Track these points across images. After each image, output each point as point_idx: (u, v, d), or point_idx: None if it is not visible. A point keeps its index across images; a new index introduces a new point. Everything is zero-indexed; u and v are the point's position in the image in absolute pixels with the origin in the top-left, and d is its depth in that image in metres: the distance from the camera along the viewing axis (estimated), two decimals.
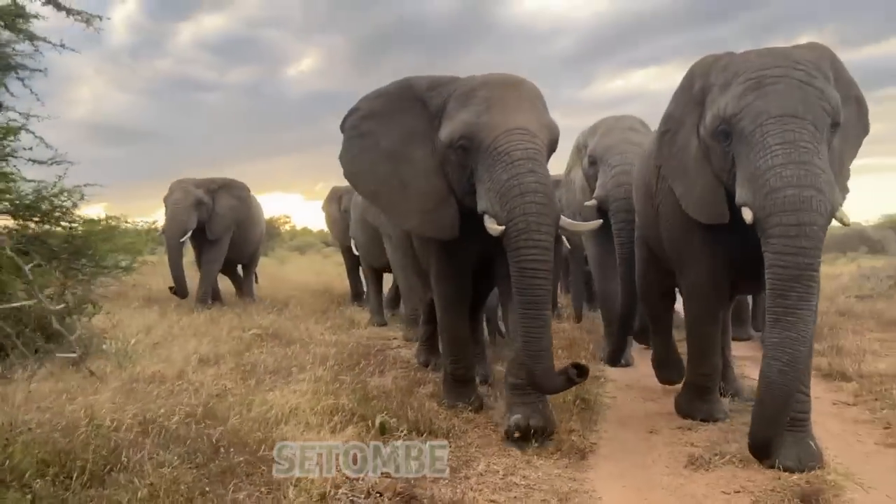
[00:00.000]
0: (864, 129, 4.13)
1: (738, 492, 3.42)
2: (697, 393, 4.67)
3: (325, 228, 12.48)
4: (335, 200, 10.63)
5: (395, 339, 7.90)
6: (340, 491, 3.24)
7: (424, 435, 3.97)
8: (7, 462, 3.02)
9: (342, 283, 11.98)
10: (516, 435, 4.01)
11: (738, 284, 4.53)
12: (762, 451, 3.57)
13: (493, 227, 3.84)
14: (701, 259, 4.35)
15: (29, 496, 2.83)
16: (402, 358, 6.60)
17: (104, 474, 3.16)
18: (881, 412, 4.59)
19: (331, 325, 8.19)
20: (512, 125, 3.89)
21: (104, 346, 5.11)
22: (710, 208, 4.02)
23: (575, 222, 4.19)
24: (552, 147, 4.14)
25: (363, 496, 3.22)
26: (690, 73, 4.20)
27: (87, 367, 4.50)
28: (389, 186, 4.47)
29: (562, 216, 4.00)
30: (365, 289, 10.28)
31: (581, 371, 3.75)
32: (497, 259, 4.32)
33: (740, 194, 3.56)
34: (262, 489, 3.16)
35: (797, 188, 3.28)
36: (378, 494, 3.24)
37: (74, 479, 3.02)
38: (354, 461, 3.53)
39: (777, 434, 3.51)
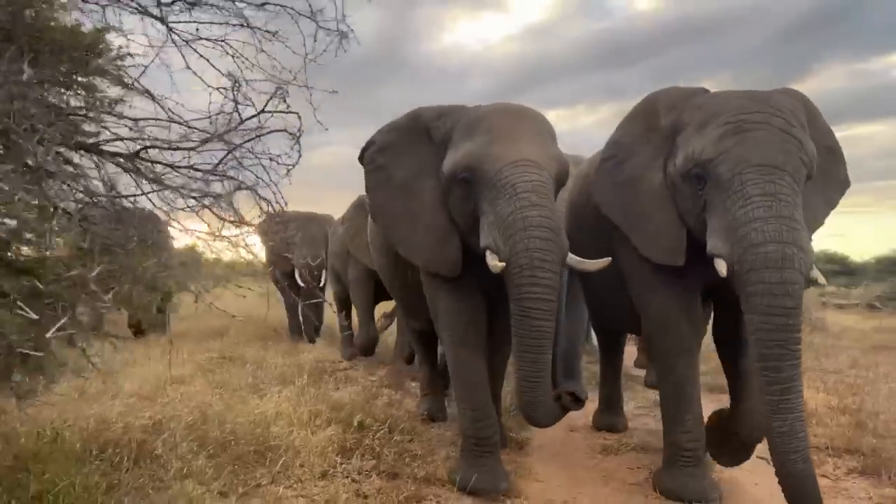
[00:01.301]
0: (841, 183, 4.02)
1: (640, 468, 4.55)
2: (683, 465, 4.05)
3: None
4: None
5: (339, 361, 8.72)
6: (337, 470, 4.13)
7: (394, 432, 4.88)
8: (63, 446, 3.75)
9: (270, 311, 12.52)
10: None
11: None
12: None
13: (493, 263, 3.67)
14: (664, 293, 4.10)
15: (86, 471, 3.56)
16: (352, 377, 7.44)
17: (140, 459, 3.92)
18: None
19: (275, 350, 8.94)
20: (517, 157, 3.75)
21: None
22: (666, 248, 3.90)
23: (584, 260, 3.86)
24: (561, 180, 3.98)
25: (356, 473, 4.11)
26: (652, 103, 4.10)
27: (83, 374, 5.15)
28: (401, 221, 4.37)
29: (570, 254, 3.80)
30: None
31: (576, 399, 3.84)
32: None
33: (714, 244, 3.45)
34: (275, 470, 3.99)
35: (779, 244, 3.20)
36: (367, 472, 4.14)
37: (123, 460, 3.77)
38: (342, 450, 4.45)
39: None
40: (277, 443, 4.37)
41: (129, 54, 2.06)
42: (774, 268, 3.18)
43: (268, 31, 2.04)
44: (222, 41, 1.99)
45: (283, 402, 5.37)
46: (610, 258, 3.90)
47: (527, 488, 4.16)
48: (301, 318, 10.24)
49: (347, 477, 4.06)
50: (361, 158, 4.64)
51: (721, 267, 3.38)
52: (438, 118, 4.32)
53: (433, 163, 4.23)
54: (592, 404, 5.66)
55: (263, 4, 1.98)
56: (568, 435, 5.44)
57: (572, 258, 3.81)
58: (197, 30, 1.82)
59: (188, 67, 1.71)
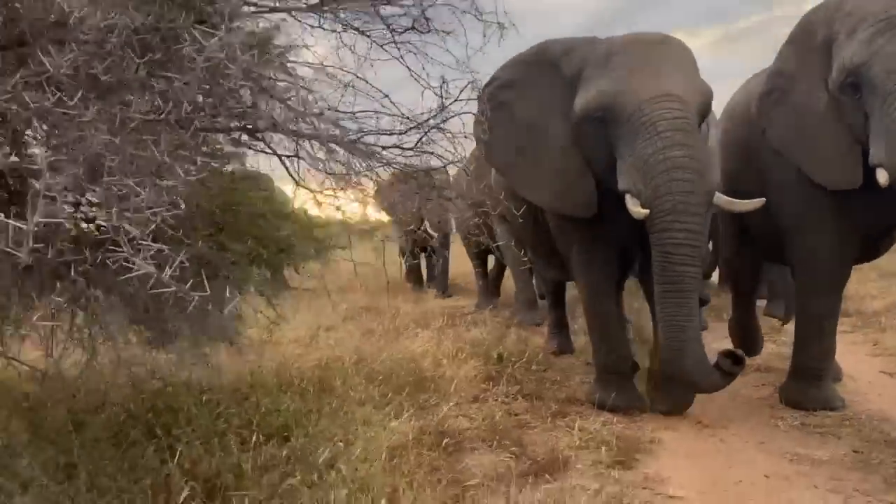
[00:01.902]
0: None
1: (764, 385, 4.90)
2: (809, 379, 4.28)
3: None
4: None
5: (463, 307, 9.39)
6: (486, 395, 4.74)
7: (531, 363, 5.44)
8: (262, 380, 4.55)
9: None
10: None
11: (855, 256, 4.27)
12: None
13: (635, 209, 3.57)
14: (825, 227, 4.02)
15: (286, 399, 4.32)
16: (479, 320, 8.04)
17: (322, 392, 4.66)
18: (871, 335, 6.07)
19: (405, 299, 9.73)
20: (656, 92, 3.55)
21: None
22: (842, 172, 3.72)
23: (733, 200, 3.72)
24: (704, 113, 3.80)
25: (503, 396, 4.71)
26: (808, 22, 3.95)
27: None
28: (523, 160, 4.29)
29: (717, 193, 3.67)
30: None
31: (736, 359, 3.65)
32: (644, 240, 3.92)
33: (874, 153, 3.31)
34: (436, 394, 4.64)
35: None
36: (513, 396, 4.72)
37: (310, 392, 4.52)
38: (487, 379, 5.06)
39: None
40: (430, 374, 5.04)
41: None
42: None
43: (443, 31, 2.46)
44: (409, 42, 2.44)
45: (425, 342, 6.04)
46: (764, 199, 3.74)
47: None
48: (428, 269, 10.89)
49: (497, 400, 4.66)
50: (481, 95, 4.42)
51: (881, 177, 3.29)
52: (568, 52, 4.14)
53: (562, 100, 4.04)
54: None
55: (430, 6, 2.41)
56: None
57: (720, 198, 3.66)
58: (392, 35, 2.27)
59: (409, 70, 2.18)
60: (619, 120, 3.64)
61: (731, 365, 3.64)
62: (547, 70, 4.23)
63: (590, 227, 4.20)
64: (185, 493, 2.37)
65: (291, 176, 2.84)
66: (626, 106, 3.60)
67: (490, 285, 9.75)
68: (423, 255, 11.01)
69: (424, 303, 9.70)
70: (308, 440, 3.37)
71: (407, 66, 2.17)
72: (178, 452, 2.70)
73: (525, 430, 4.06)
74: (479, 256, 9.72)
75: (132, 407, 3.28)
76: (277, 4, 2.07)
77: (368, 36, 2.21)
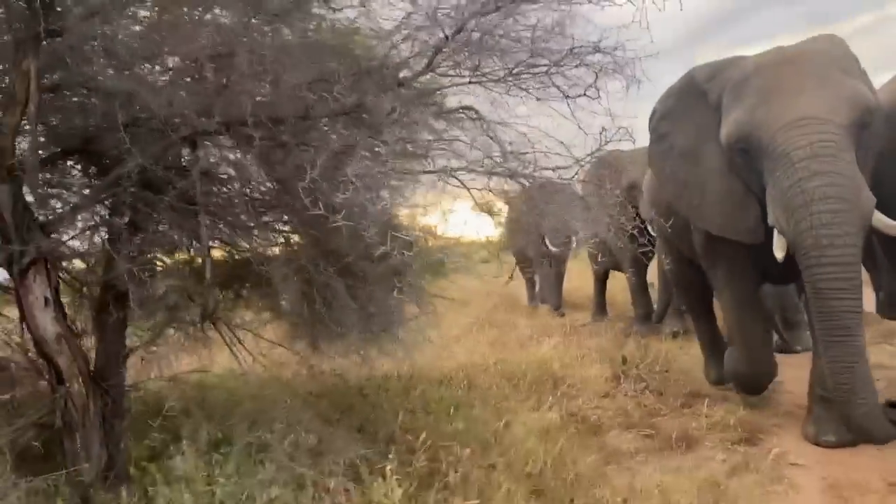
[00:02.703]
0: None
1: None
2: None
3: None
4: None
5: (576, 320, 9.93)
6: (615, 391, 5.31)
7: (655, 365, 5.95)
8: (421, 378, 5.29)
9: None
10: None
11: None
12: None
13: (777, 253, 3.57)
14: None
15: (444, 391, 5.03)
16: (596, 331, 8.56)
17: (469, 387, 5.35)
18: None
19: (519, 314, 10.38)
20: (791, 117, 3.42)
21: None
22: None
23: (892, 222, 3.47)
24: (862, 122, 3.50)
25: (631, 392, 5.26)
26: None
27: None
28: (688, 189, 4.30)
29: (875, 213, 3.42)
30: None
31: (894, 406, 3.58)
32: None
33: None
34: (570, 390, 5.25)
35: None
36: (640, 391, 5.26)
37: (461, 387, 5.23)
38: (614, 378, 5.62)
39: None
40: (561, 374, 5.64)
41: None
42: None
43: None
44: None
45: (551, 349, 6.66)
46: None
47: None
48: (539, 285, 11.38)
49: (625, 395, 5.21)
50: (649, 128, 4.64)
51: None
52: (711, 79, 4.16)
53: (713, 127, 4.03)
54: None
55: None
56: None
57: (879, 220, 3.44)
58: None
59: (578, 126, 2.78)
60: (759, 150, 3.60)
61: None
62: (696, 98, 4.25)
63: (741, 247, 4.14)
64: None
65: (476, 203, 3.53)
66: (762, 137, 3.54)
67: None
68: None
69: (539, 317, 10.30)
70: (469, 422, 4.05)
71: (577, 124, 2.75)
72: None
73: (656, 417, 4.61)
74: (602, 274, 9.97)
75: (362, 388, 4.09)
76: (472, 79, 2.77)
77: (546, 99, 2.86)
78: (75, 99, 3.20)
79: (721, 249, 4.36)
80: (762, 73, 3.70)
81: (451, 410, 4.13)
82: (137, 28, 2.86)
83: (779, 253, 3.54)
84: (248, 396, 3.46)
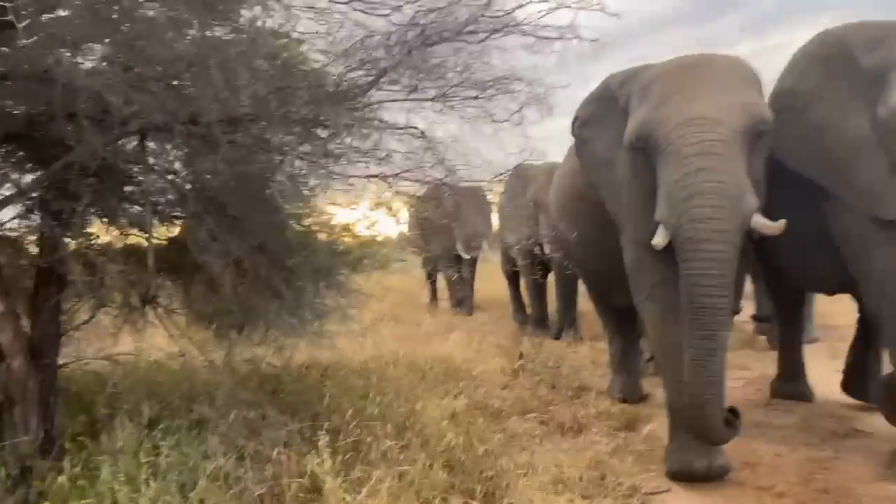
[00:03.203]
0: None
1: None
2: None
3: None
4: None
5: (475, 318, 10.48)
6: (512, 384, 5.81)
7: (548, 361, 6.52)
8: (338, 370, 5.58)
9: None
10: None
11: None
12: None
13: (655, 240, 3.54)
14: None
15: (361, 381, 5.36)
16: (495, 330, 9.11)
17: (380, 379, 5.70)
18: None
19: (423, 312, 10.83)
20: (686, 116, 3.49)
21: None
22: (885, 201, 3.65)
23: (768, 223, 3.51)
24: (755, 130, 3.56)
25: (527, 385, 5.77)
26: (839, 44, 3.89)
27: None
28: (610, 195, 4.32)
29: (756, 215, 3.48)
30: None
31: (734, 413, 3.66)
32: None
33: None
34: (472, 382, 5.70)
35: None
36: (536, 385, 5.79)
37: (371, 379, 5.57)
38: (512, 372, 6.13)
39: None
40: (464, 367, 6.09)
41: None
42: None
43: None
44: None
45: (455, 345, 7.12)
46: (783, 223, 3.50)
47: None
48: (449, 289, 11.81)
49: (522, 387, 5.72)
50: (573, 133, 4.68)
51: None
52: (621, 85, 4.19)
53: (622, 133, 3.99)
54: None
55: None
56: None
57: (757, 221, 3.48)
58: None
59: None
60: (655, 149, 3.63)
61: (733, 418, 3.63)
62: (610, 104, 4.27)
63: (665, 255, 3.78)
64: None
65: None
66: (659, 135, 3.58)
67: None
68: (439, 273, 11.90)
69: (440, 315, 10.78)
70: (383, 408, 4.40)
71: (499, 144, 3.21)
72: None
73: (550, 406, 5.14)
74: (514, 276, 10.15)
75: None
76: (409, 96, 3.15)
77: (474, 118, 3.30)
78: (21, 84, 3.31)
79: (645, 258, 4.08)
80: (664, 78, 3.78)
81: (368, 396, 4.46)
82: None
83: (657, 240, 3.53)
84: (184, 377, 3.67)
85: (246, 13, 2.98)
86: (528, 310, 9.78)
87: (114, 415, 3.19)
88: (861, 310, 4.76)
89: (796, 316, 5.58)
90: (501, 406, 5.05)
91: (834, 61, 3.86)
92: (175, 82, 3.07)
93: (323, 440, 3.08)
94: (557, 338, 8.60)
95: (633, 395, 5.57)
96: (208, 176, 3.51)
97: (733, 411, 3.65)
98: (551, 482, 3.40)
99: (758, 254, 4.89)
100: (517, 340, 7.98)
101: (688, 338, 3.48)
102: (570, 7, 2.81)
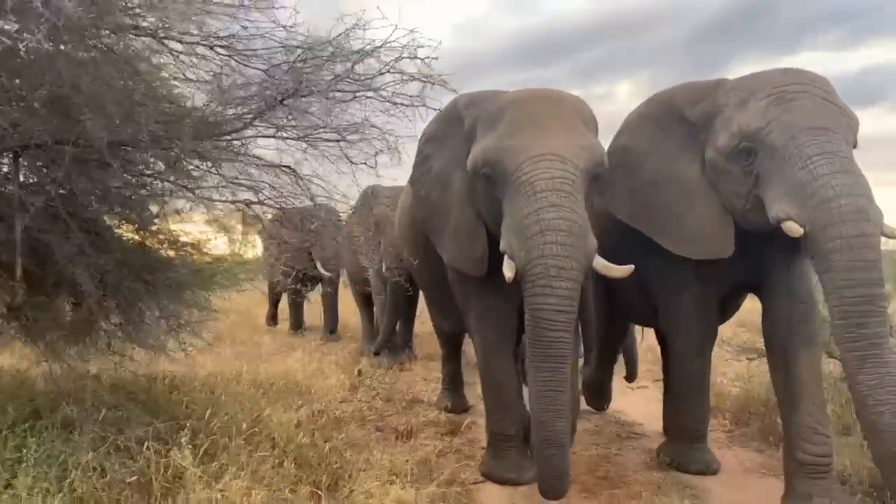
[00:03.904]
0: None
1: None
2: (689, 441, 4.61)
3: None
4: None
5: (316, 339, 10.85)
6: (351, 398, 6.34)
7: (384, 376, 7.11)
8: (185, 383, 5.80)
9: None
10: None
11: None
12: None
13: (506, 273, 3.54)
14: (691, 291, 4.34)
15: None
16: (333, 350, 9.57)
17: (223, 393, 5.99)
18: None
19: (259, 332, 11.03)
20: (539, 150, 3.53)
21: None
22: (719, 241, 3.90)
23: (609, 265, 3.64)
24: (595, 173, 3.70)
25: (365, 398, 6.33)
26: (667, 103, 4.20)
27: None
28: (436, 214, 4.37)
29: (597, 257, 3.60)
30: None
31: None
32: None
33: (780, 209, 3.41)
34: (313, 397, 6.15)
35: (852, 197, 3.20)
36: (372, 398, 6.36)
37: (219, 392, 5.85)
38: (351, 387, 6.66)
39: None
40: (305, 383, 6.52)
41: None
42: (851, 221, 3.17)
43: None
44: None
45: (295, 362, 7.51)
46: (633, 265, 3.68)
47: None
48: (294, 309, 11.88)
49: (360, 400, 6.27)
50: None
51: (793, 229, 3.33)
52: (468, 106, 4.16)
53: (463, 156, 4.05)
54: None
55: None
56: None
57: (599, 262, 3.61)
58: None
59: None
60: (503, 178, 3.64)
61: None
62: (455, 124, 4.26)
63: (486, 279, 4.07)
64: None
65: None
66: (509, 164, 3.59)
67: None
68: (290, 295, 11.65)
69: (279, 335, 11.05)
70: (230, 419, 4.75)
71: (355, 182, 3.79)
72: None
73: (385, 416, 5.73)
74: (367, 299, 10.05)
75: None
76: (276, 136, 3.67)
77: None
78: None
79: (471, 284, 4.35)
80: (517, 108, 3.79)
81: (218, 404, 4.79)
82: None
83: (507, 273, 3.54)
84: (49, 384, 3.86)
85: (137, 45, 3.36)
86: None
87: None
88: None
89: (614, 351, 6.37)
90: (342, 416, 5.56)
91: (663, 119, 4.18)
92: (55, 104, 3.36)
93: (185, 437, 3.47)
94: (377, 354, 8.66)
95: (459, 406, 6.23)
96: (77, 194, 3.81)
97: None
98: (386, 474, 3.98)
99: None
100: (355, 359, 8.50)
101: (533, 371, 3.49)
102: (419, 80, 3.41)
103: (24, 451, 3.09)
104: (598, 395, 6.31)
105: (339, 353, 9.22)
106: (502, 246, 3.65)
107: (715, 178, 3.89)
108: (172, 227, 4.77)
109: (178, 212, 4.41)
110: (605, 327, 5.86)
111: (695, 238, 3.99)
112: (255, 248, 8.54)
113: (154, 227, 4.63)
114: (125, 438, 3.32)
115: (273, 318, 12.61)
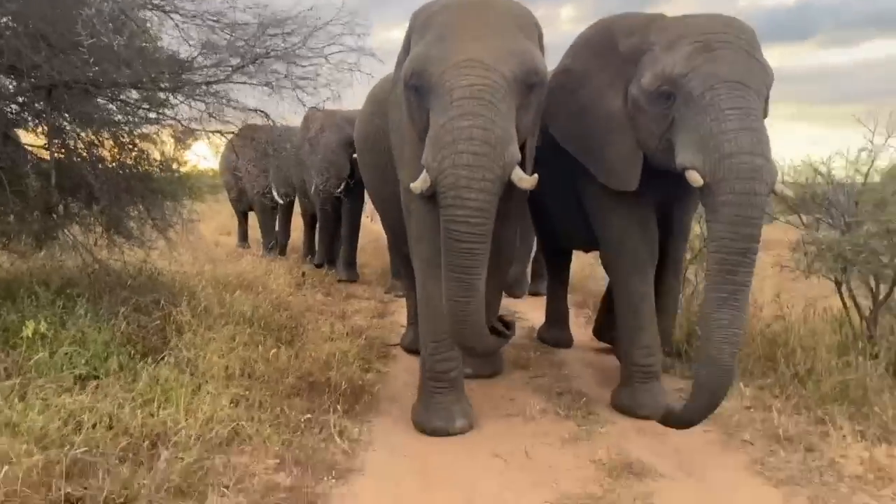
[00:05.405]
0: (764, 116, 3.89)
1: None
2: (637, 379, 4.47)
3: None
4: None
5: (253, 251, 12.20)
6: (296, 293, 7.82)
7: (324, 278, 8.60)
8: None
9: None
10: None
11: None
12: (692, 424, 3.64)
13: (415, 185, 3.51)
14: (627, 211, 4.43)
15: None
16: (280, 260, 10.96)
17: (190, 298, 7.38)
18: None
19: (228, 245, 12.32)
20: (461, 57, 3.45)
21: None
22: (623, 174, 4.10)
23: (523, 176, 3.57)
24: (528, 80, 3.59)
25: (309, 294, 7.83)
26: (606, 30, 4.24)
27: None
28: (394, 137, 4.40)
29: (517, 168, 3.51)
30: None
31: (507, 324, 3.84)
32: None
33: (685, 157, 3.57)
34: (264, 292, 7.61)
35: (750, 156, 3.37)
36: (314, 294, 7.87)
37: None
38: (296, 285, 8.16)
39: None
40: (256, 282, 7.96)
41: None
42: (745, 178, 3.36)
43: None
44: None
45: (248, 266, 8.92)
46: (537, 176, 3.63)
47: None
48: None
49: (304, 295, 7.76)
50: None
51: (695, 178, 3.50)
52: (415, 16, 4.04)
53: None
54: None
55: None
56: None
57: (515, 174, 3.51)
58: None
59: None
60: (428, 88, 3.57)
61: (503, 327, 3.87)
62: (406, 40, 4.16)
63: (424, 199, 3.74)
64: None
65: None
66: (433, 75, 3.52)
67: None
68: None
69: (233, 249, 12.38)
70: (206, 298, 6.15)
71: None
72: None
73: (326, 305, 7.27)
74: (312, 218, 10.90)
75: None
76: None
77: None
78: None
79: (414, 206, 4.17)
80: (445, 14, 3.72)
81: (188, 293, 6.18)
82: None
83: (416, 184, 3.52)
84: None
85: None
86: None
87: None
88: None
89: (563, 272, 6.47)
90: (291, 304, 7.05)
91: (600, 47, 4.23)
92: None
93: (183, 302, 4.92)
94: (320, 266, 10.19)
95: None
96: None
97: (505, 322, 3.92)
98: (329, 335, 5.56)
99: (533, 217, 6.00)
100: (299, 265, 9.98)
101: (446, 280, 3.52)
102: (354, 50, 4.76)
103: (75, 307, 4.47)
104: (559, 327, 6.31)
105: (283, 261, 10.65)
106: (422, 158, 3.56)
107: (635, 115, 4.00)
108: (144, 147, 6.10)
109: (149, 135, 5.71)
110: (551, 254, 6.43)
111: (610, 168, 4.20)
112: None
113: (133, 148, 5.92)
114: (142, 302, 4.73)
115: (242, 237, 13.21)
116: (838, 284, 4.97)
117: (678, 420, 3.62)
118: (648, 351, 4.43)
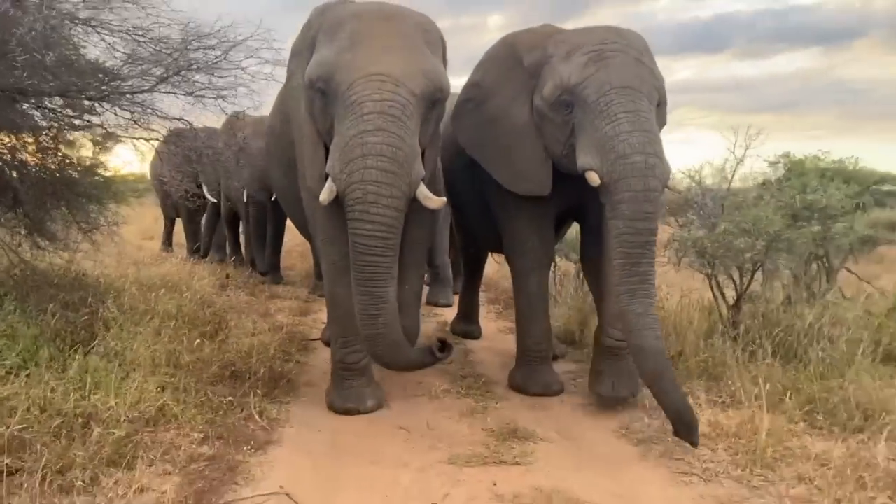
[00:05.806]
0: (662, 120, 4.19)
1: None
2: (530, 362, 4.89)
3: None
4: None
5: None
6: (220, 294, 8.12)
7: (248, 281, 8.92)
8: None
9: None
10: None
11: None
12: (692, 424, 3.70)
13: (322, 196, 3.60)
14: (525, 215, 4.71)
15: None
16: (204, 263, 11.17)
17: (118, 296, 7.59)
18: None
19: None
20: (372, 70, 3.50)
21: None
22: (534, 180, 4.36)
23: (430, 195, 3.73)
24: (432, 98, 3.72)
25: (233, 294, 8.14)
26: (511, 45, 4.49)
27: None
28: (297, 136, 4.44)
29: (421, 185, 3.66)
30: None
31: (444, 346, 3.73)
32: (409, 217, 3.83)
33: (585, 160, 3.81)
34: (187, 292, 7.89)
35: (643, 155, 3.62)
36: (238, 295, 8.19)
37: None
38: (220, 287, 8.45)
39: (683, 393, 3.77)
40: (181, 283, 8.22)
41: None
42: (640, 176, 3.63)
43: None
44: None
45: (172, 268, 9.14)
46: (445, 199, 4.00)
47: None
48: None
49: (228, 296, 8.07)
50: None
51: (594, 178, 3.77)
52: (318, 14, 4.15)
53: (304, 69, 3.98)
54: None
55: None
56: None
57: (421, 192, 3.66)
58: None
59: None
60: (335, 95, 3.62)
61: (439, 349, 3.70)
62: (306, 36, 4.24)
63: (331, 205, 3.76)
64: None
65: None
66: (341, 81, 3.57)
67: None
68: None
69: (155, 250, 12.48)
70: (129, 299, 6.42)
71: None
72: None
73: (251, 305, 7.62)
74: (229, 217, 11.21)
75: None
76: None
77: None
78: None
79: (318, 208, 4.14)
80: (358, 21, 3.75)
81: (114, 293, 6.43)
82: None
83: (324, 195, 3.60)
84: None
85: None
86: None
87: None
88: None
89: (478, 271, 6.97)
90: (216, 304, 7.35)
91: (506, 62, 4.49)
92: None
93: (110, 299, 5.22)
94: (205, 256, 11.04)
95: None
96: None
97: (444, 344, 3.77)
98: (251, 331, 5.94)
99: (454, 218, 6.75)
100: (223, 268, 10.23)
101: (356, 294, 3.63)
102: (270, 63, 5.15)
103: (3, 304, 4.72)
104: (469, 321, 6.81)
105: (206, 264, 10.87)
106: (327, 167, 3.68)
107: (540, 124, 4.24)
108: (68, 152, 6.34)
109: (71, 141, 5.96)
110: (465, 255, 6.90)
111: (519, 176, 4.42)
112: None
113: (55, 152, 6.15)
114: (69, 300, 5.01)
115: (167, 241, 13.09)
116: (708, 277, 5.68)
117: (680, 431, 3.71)
118: (539, 338, 4.88)
